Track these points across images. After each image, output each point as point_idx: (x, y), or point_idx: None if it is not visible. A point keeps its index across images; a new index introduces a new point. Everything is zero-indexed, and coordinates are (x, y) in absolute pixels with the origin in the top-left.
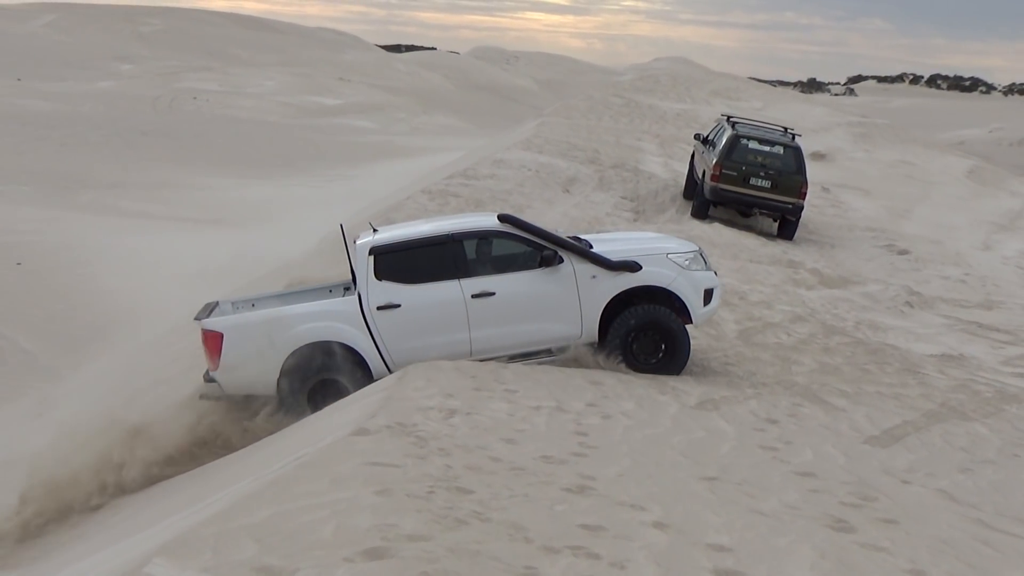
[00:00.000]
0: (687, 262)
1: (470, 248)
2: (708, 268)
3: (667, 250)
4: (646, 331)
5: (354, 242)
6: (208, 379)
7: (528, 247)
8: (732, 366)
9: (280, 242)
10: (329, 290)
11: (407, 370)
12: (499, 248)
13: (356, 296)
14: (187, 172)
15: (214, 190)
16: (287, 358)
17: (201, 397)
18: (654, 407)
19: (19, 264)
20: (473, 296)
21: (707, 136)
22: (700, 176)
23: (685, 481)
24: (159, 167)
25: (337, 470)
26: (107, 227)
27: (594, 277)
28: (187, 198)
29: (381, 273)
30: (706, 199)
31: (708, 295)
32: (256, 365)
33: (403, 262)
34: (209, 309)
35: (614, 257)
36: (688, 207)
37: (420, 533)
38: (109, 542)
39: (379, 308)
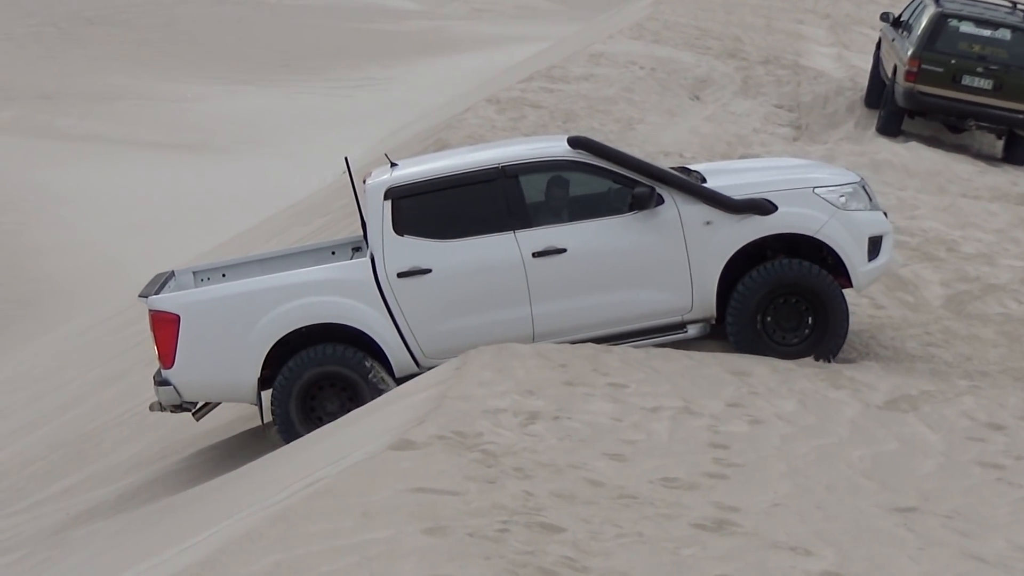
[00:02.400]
0: (843, 198)
1: (530, 186)
2: (874, 207)
3: (814, 182)
4: (784, 298)
5: (364, 182)
6: (160, 381)
7: (613, 183)
8: (937, 348)
9: (286, 173)
10: (332, 251)
11: (467, 357)
12: (573, 185)
13: (368, 258)
14: (150, 77)
15: (189, 102)
16: (270, 350)
17: (151, 408)
18: (824, 408)
19: None
20: (535, 255)
21: (900, 16)
22: (890, 74)
23: (869, 514)
24: (111, 70)
25: (369, 500)
26: (38, 156)
27: (708, 223)
28: (151, 114)
29: (403, 225)
30: (899, 107)
31: (875, 245)
32: (226, 360)
33: (434, 209)
34: (161, 282)
35: (736, 194)
36: (873, 119)
37: None
38: None
39: (400, 275)
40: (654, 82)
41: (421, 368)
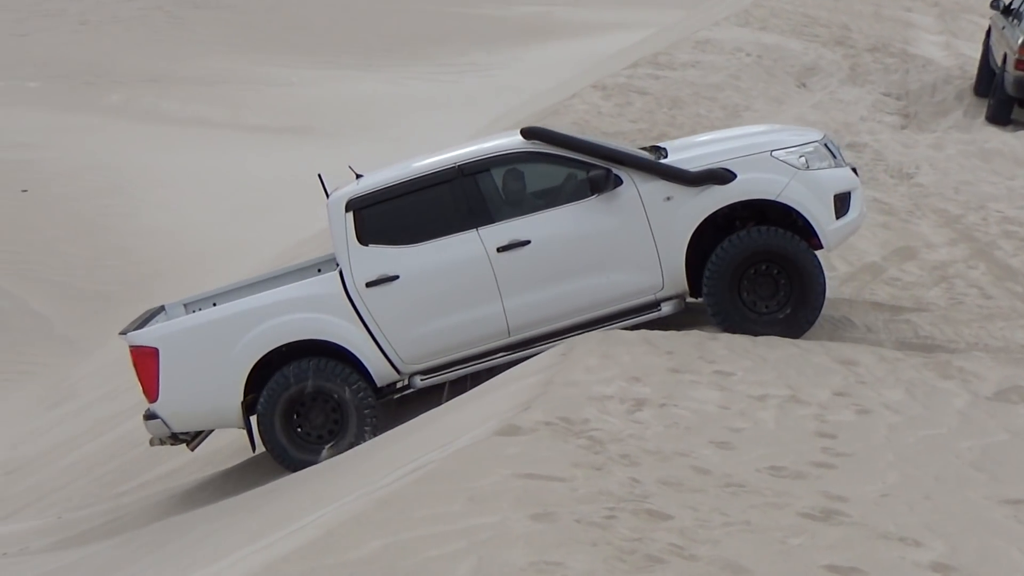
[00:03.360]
0: (803, 159)
1: (488, 183)
2: (839, 164)
3: (771, 145)
4: (757, 267)
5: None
6: (148, 415)
7: (571, 169)
8: None
9: (392, 159)
10: (318, 268)
11: (574, 343)
12: (531, 177)
13: (337, 272)
14: (256, 60)
15: (296, 86)
16: (251, 373)
17: (151, 443)
18: (932, 398)
19: (24, 191)
20: (499, 249)
21: (1010, 4)
22: (1000, 63)
23: (979, 505)
24: (217, 54)
25: (476, 485)
26: (145, 139)
27: (669, 199)
28: (256, 97)
29: (366, 235)
30: (1008, 96)
31: (843, 202)
32: (210, 387)
33: (395, 216)
34: (146, 318)
35: (693, 166)
36: (981, 108)
37: (595, 575)
38: None
39: (369, 284)
40: (761, 69)
41: (402, 375)
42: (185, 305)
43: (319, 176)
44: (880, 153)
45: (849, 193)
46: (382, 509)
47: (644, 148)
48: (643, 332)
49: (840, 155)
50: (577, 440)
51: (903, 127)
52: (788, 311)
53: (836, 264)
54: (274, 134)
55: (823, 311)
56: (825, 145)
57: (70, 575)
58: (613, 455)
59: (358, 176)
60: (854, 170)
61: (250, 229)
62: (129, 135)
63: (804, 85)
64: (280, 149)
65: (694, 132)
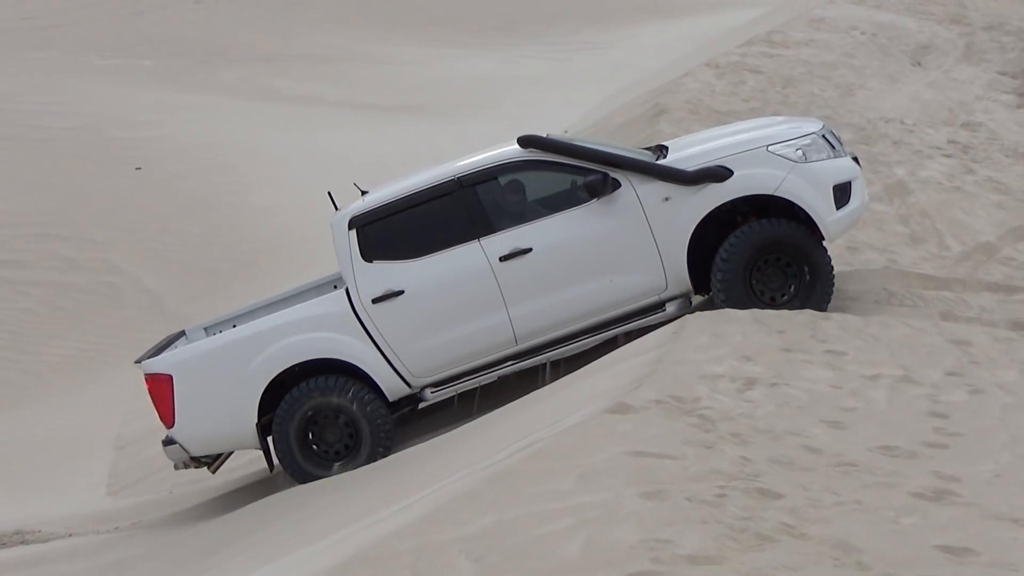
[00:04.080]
0: (800, 151)
1: (488, 193)
2: (838, 154)
3: (767, 140)
4: (766, 259)
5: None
6: (166, 441)
7: (570, 175)
8: None
9: (505, 137)
10: (334, 285)
11: (685, 323)
12: (531, 185)
13: (344, 290)
14: (370, 39)
15: (409, 65)
16: (264, 394)
17: (176, 468)
18: None
19: (138, 169)
20: (502, 259)
21: None
22: None
23: None
24: (332, 32)
25: (587, 462)
26: (261, 117)
27: (667, 199)
28: (371, 76)
29: (370, 252)
30: None
31: (843, 192)
32: (225, 410)
33: (398, 231)
34: (166, 343)
35: (690, 165)
36: None
37: (706, 554)
38: (272, 554)
39: (375, 300)
40: (875, 47)
41: (413, 388)
42: (206, 329)
43: (329, 194)
44: (995, 132)
45: (849, 183)
46: (493, 486)
47: (648, 148)
48: (754, 311)
49: (840, 145)
50: (688, 418)
51: (1019, 106)
52: (799, 300)
53: (949, 244)
54: (386, 112)
55: (906, 290)
56: (823, 136)
57: (181, 550)
58: (724, 434)
59: (363, 192)
60: (855, 159)
61: None
62: (243, 113)
63: (919, 64)
64: (392, 127)
65: (807, 112)
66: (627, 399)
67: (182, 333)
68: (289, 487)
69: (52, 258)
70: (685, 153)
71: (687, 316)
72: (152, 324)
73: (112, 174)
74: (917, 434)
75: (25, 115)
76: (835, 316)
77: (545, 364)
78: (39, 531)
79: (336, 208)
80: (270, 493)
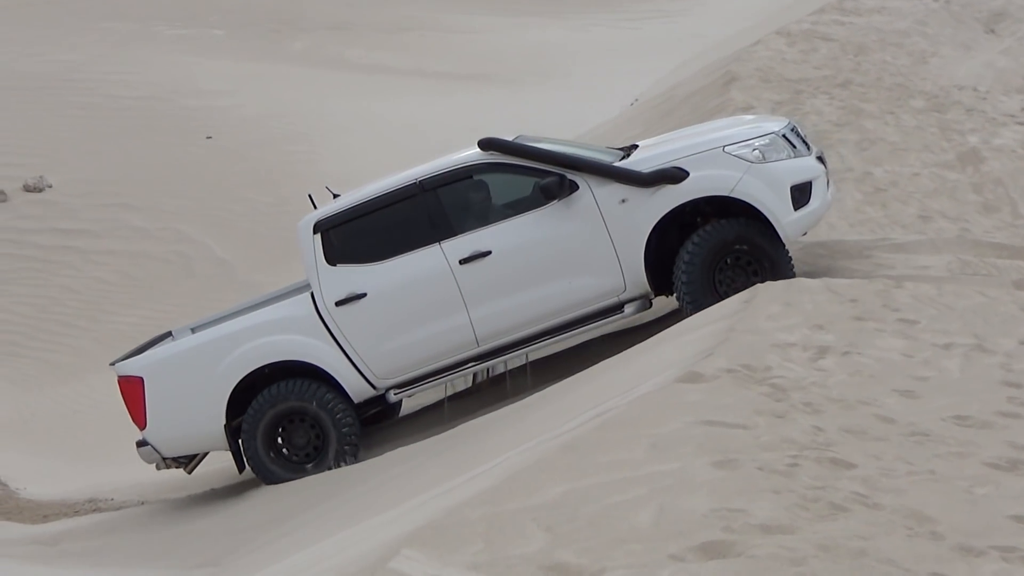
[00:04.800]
0: (757, 152)
1: (449, 196)
2: (799, 153)
3: (724, 140)
4: (728, 259)
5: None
6: (139, 443)
7: (529, 177)
8: None
9: (573, 106)
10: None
11: (756, 292)
12: (493, 188)
13: (309, 294)
14: (440, 8)
15: (478, 33)
16: (232, 396)
17: (157, 468)
18: None
19: (209, 138)
20: (462, 261)
21: None
22: None
23: None
24: (401, 1)
25: (658, 431)
26: (330, 87)
27: (624, 201)
28: (440, 44)
29: (334, 255)
30: None
31: (802, 192)
32: (194, 412)
33: (361, 234)
34: (149, 344)
35: (647, 167)
36: None
37: (778, 523)
38: (342, 523)
39: (338, 303)
40: (948, 15)
41: (377, 390)
42: (192, 329)
43: (309, 196)
44: None
45: (809, 183)
46: (564, 455)
47: (619, 148)
48: (826, 280)
49: (804, 144)
50: (759, 388)
51: None
52: None
53: (1023, 212)
54: (455, 81)
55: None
56: (784, 136)
57: (252, 519)
58: (796, 403)
59: (335, 196)
60: (820, 158)
61: None
62: (313, 83)
63: (992, 31)
64: (461, 96)
65: (879, 79)
66: (698, 368)
67: (169, 334)
68: (365, 457)
69: (124, 228)
70: (645, 154)
71: (758, 285)
72: (223, 293)
73: (183, 143)
74: (990, 403)
75: (97, 85)
76: (908, 285)
77: (527, 367)
78: (111, 499)
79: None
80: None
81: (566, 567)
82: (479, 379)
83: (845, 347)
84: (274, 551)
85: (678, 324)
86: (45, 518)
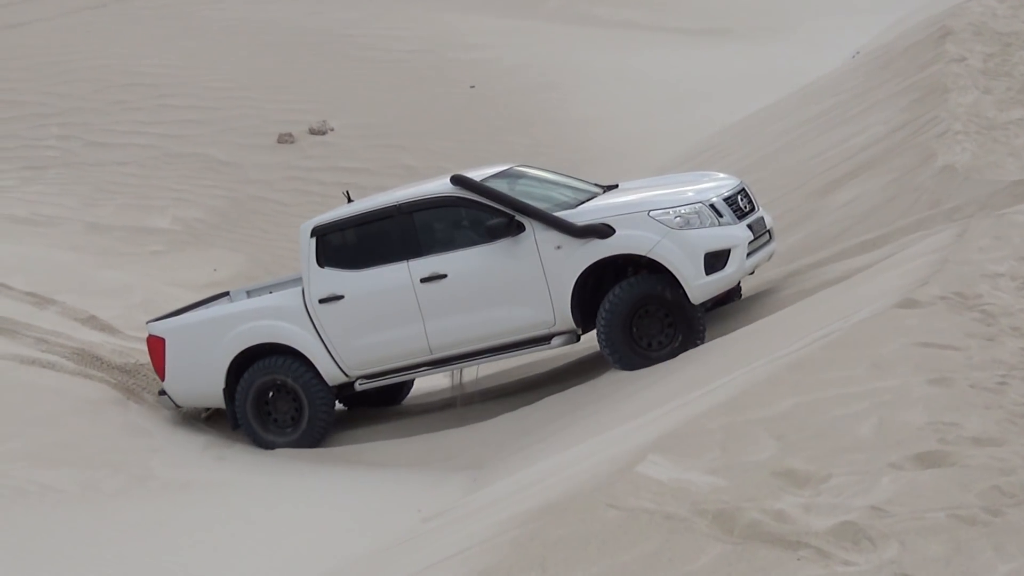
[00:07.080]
0: (679, 219)
1: (421, 221)
2: (727, 222)
3: (650, 205)
4: (646, 310)
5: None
6: (160, 391)
7: (485, 214)
8: None
9: (799, 60)
10: None
11: (968, 225)
12: (457, 219)
13: (301, 288)
14: None
15: None
16: (232, 365)
17: (171, 409)
18: None
19: (472, 87)
20: (422, 280)
21: None
22: None
23: None
24: None
25: (878, 352)
26: (580, 41)
27: (559, 247)
28: (682, 2)
29: (324, 258)
30: None
31: (717, 259)
32: (201, 374)
33: (347, 243)
34: (206, 301)
35: (584, 220)
36: None
37: (989, 436)
38: (591, 431)
39: (321, 301)
40: None
41: (349, 377)
42: (247, 292)
43: (345, 192)
44: None
45: (728, 251)
46: (793, 372)
47: (600, 185)
48: None
49: (741, 211)
50: (971, 313)
51: None
52: (675, 345)
53: None
54: (694, 36)
55: None
56: (712, 206)
57: (499, 434)
58: (1004, 327)
59: (349, 199)
60: (750, 227)
61: (666, 123)
62: (564, 37)
63: None
64: (699, 50)
65: None
66: (914, 295)
67: (226, 294)
68: (599, 375)
69: (396, 166)
70: (587, 207)
71: (970, 219)
72: None
73: (449, 92)
74: None
75: (374, 39)
76: None
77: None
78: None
79: (349, 201)
80: (578, 383)
81: (795, 473)
82: (455, 379)
83: None
84: (526, 456)
85: (895, 256)
86: None
